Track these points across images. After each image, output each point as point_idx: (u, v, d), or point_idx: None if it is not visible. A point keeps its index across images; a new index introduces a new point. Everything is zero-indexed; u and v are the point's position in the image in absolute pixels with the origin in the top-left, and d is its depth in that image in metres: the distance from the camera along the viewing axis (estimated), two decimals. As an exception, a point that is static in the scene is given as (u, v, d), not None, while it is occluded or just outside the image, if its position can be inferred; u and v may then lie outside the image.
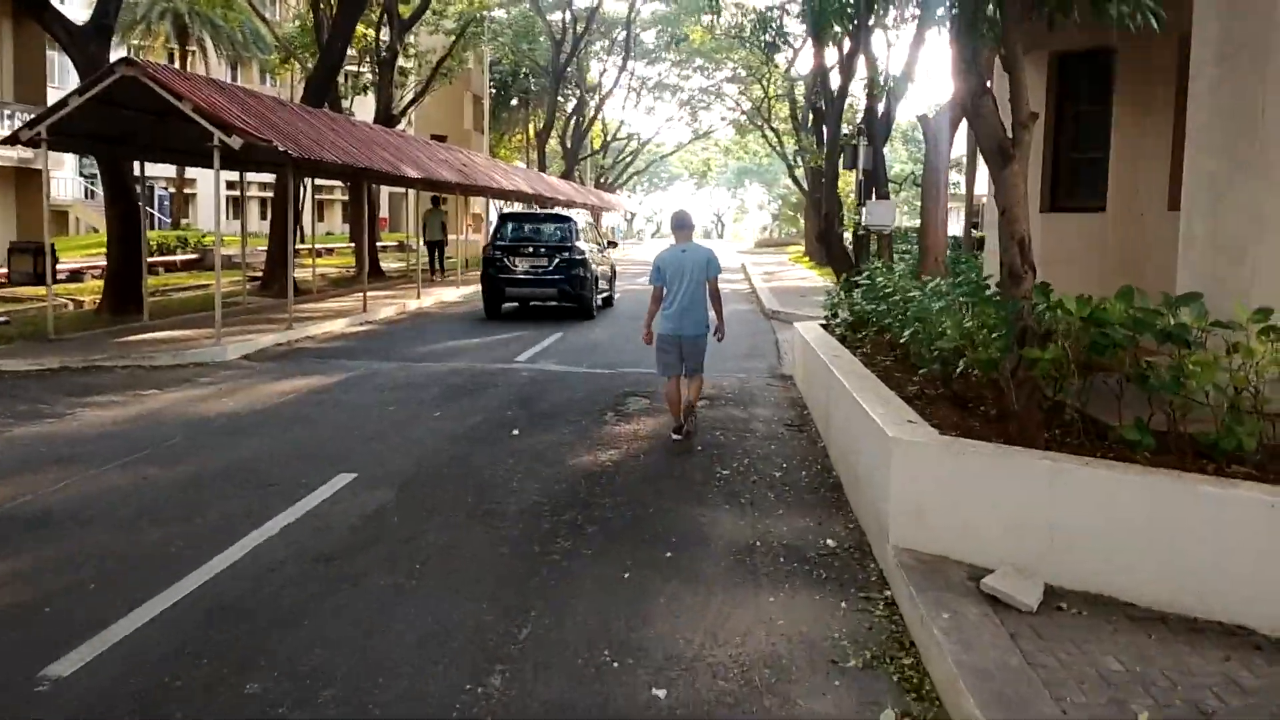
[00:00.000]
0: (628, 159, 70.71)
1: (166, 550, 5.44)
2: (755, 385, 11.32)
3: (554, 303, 17.97)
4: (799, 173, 49.10)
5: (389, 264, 32.05)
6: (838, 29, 12.53)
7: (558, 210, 24.60)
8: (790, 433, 8.77)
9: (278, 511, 6.09)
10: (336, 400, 9.81)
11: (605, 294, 20.12)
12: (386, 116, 26.04)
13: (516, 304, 18.47)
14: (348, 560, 5.32)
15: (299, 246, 34.16)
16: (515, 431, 8.46)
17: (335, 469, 7.06)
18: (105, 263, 17.22)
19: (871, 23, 12.14)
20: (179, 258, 27.62)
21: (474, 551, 5.51)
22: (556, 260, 17.43)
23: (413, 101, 33.55)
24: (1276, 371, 4.58)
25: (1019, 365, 5.32)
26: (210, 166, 12.44)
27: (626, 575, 5.16)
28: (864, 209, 20.00)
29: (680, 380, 8.37)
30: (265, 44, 40.13)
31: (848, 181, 52.75)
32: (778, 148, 54.24)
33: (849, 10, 12.12)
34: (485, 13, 43.53)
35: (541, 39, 50.23)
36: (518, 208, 29.04)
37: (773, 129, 54.06)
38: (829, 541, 5.73)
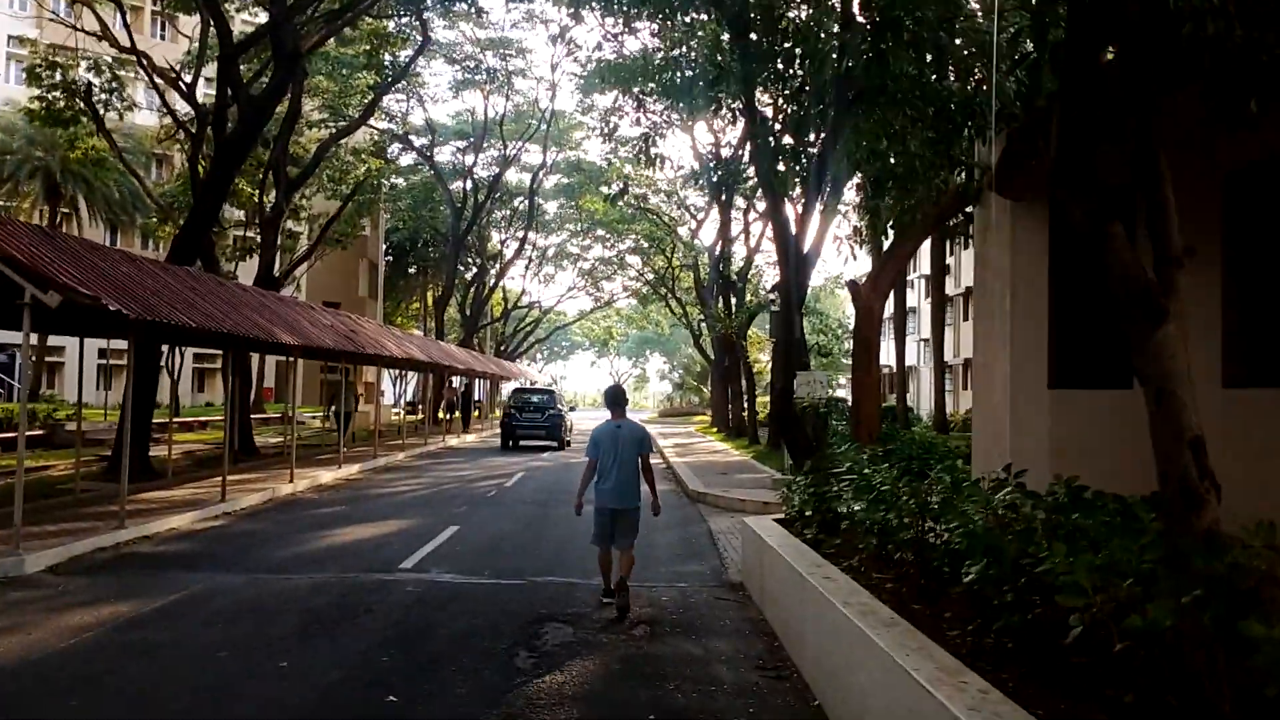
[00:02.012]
0: (529, 327, 69.31)
1: None
2: (701, 601, 9.07)
3: (545, 440, 30.35)
4: (705, 340, 48.14)
5: (266, 439, 29.15)
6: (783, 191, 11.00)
7: (543, 386, 38.86)
8: (768, 682, 6.52)
9: None
10: (147, 643, 7.18)
11: (568, 434, 32.47)
12: (268, 279, 23.79)
13: (524, 440, 30.51)
14: None
15: (163, 420, 31.11)
16: (391, 699, 6.00)
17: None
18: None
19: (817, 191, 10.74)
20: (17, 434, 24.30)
21: None
22: (544, 415, 30.60)
23: (296, 264, 31.46)
24: None
25: (1212, 642, 3.26)
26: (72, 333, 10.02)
27: None
28: (795, 380, 18.36)
29: (610, 551, 8.67)
30: (145, 205, 37.78)
31: (760, 349, 52.25)
32: (682, 317, 53.47)
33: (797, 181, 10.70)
34: (382, 180, 42.29)
35: (442, 207, 49.06)
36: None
37: (676, 298, 53.40)
38: None
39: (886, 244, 18.10)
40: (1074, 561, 3.78)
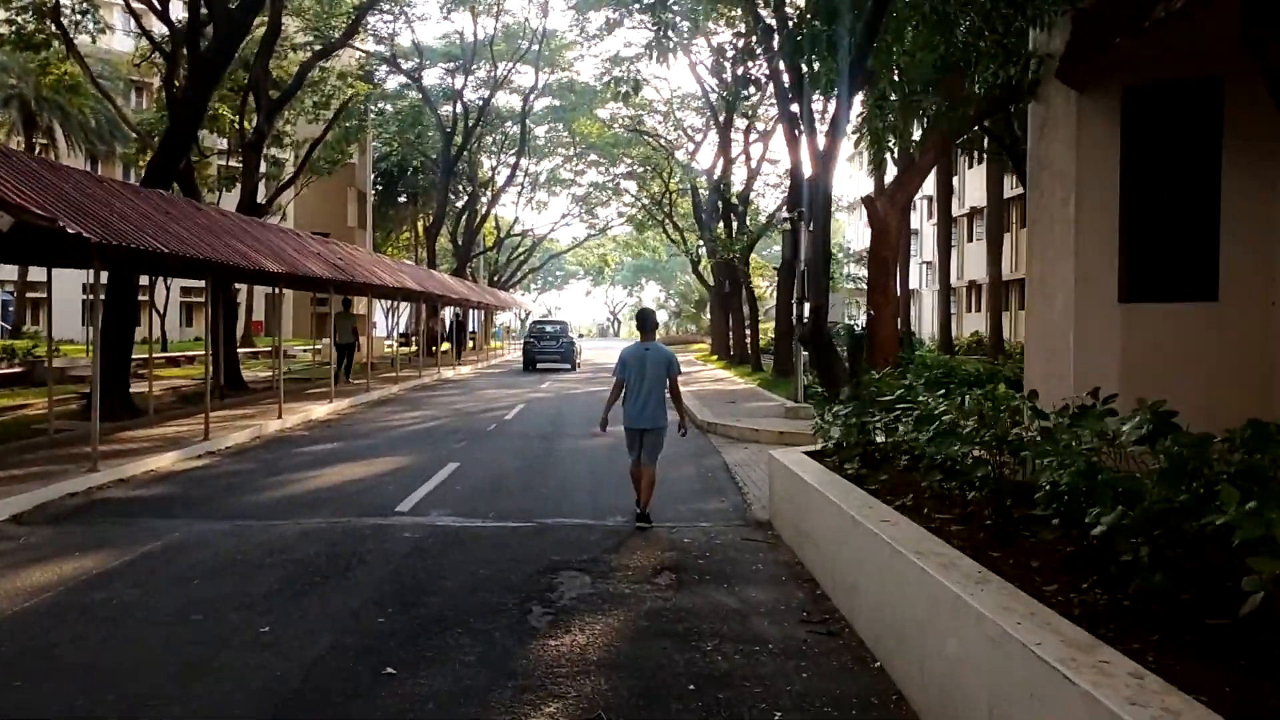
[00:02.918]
0: (522, 256, 68.07)
1: None
2: (728, 542, 8.27)
3: (561, 364, 35.17)
4: (704, 266, 47.08)
5: (256, 373, 28.25)
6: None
7: (557, 317, 45.42)
8: (817, 639, 5.72)
9: None
10: (112, 606, 6.34)
11: (578, 358, 36.46)
12: (251, 205, 22.65)
13: (541, 363, 35.37)
14: None
15: (146, 355, 30.16)
16: (389, 670, 5.18)
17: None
18: None
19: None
20: (-4, 372, 23.46)
21: None
22: (559, 342, 35.54)
23: (280, 190, 30.20)
24: None
25: None
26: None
27: None
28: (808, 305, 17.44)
29: (641, 464, 8.91)
30: (124, 134, 36.33)
31: (760, 274, 51.17)
32: (680, 243, 52.33)
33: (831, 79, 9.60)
34: (368, 103, 40.77)
35: (431, 133, 47.50)
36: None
37: (674, 223, 52.17)
38: None
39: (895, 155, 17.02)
40: (1267, 516, 2.90)
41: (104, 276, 17.32)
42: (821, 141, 10.48)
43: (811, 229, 11.22)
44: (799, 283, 17.00)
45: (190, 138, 17.95)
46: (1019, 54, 8.05)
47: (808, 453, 9.00)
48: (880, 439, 7.82)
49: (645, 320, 9.37)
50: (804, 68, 9.14)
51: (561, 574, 7.13)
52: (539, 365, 35.31)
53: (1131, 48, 6.81)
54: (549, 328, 37.51)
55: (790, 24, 9.83)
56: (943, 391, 6.65)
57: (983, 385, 10.08)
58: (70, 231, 8.98)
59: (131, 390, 17.66)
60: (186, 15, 18.99)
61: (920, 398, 6.56)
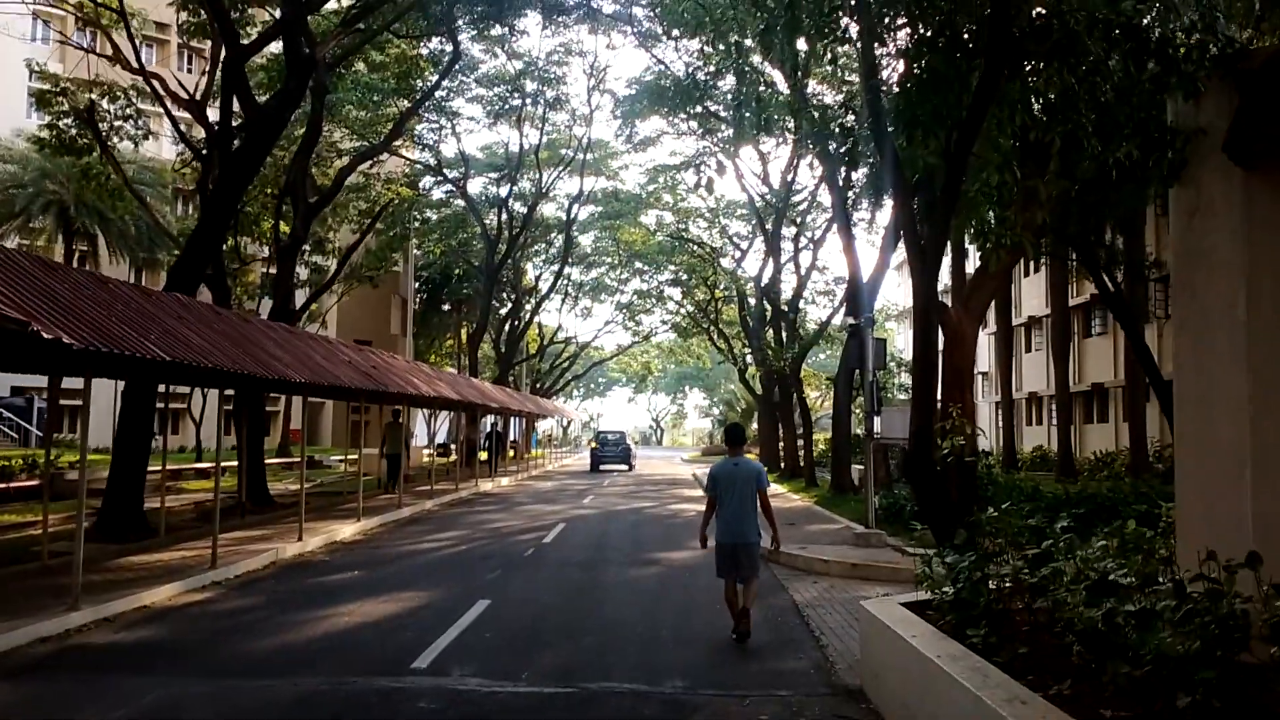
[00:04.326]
0: (565, 363, 67.19)
1: None
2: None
3: (620, 465, 44.80)
4: (750, 375, 45.70)
5: (287, 485, 27.02)
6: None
7: (616, 427, 55.79)
8: None
9: None
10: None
11: (634, 459, 47.19)
12: (284, 312, 21.73)
13: (604, 464, 44.44)
14: None
15: (177, 468, 29.09)
16: None
17: None
18: None
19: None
20: (9, 484, 22.47)
21: None
22: (619, 448, 45.39)
23: (315, 295, 29.45)
24: None
25: None
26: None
27: None
28: (878, 418, 15.94)
29: (735, 585, 8.84)
30: (164, 241, 36.05)
31: (811, 386, 49.71)
32: (726, 350, 51.14)
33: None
34: (411, 210, 40.49)
35: (475, 243, 47.12)
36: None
37: (719, 330, 51.07)
38: None
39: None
40: None
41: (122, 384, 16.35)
42: (920, 234, 9.14)
43: (918, 331, 9.72)
44: (868, 393, 15.53)
45: (218, 237, 17.11)
46: (1162, 129, 6.72)
47: (907, 604, 7.42)
48: (1007, 584, 6.30)
49: (735, 435, 9.51)
50: (902, 147, 7.87)
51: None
52: (602, 467, 44.41)
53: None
54: (610, 436, 48.49)
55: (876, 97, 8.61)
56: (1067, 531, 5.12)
57: (1106, 518, 8.49)
58: (46, 336, 7.81)
59: (151, 506, 16.43)
60: (219, 106, 18.36)
61: (1055, 545, 5.02)
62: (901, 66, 8.29)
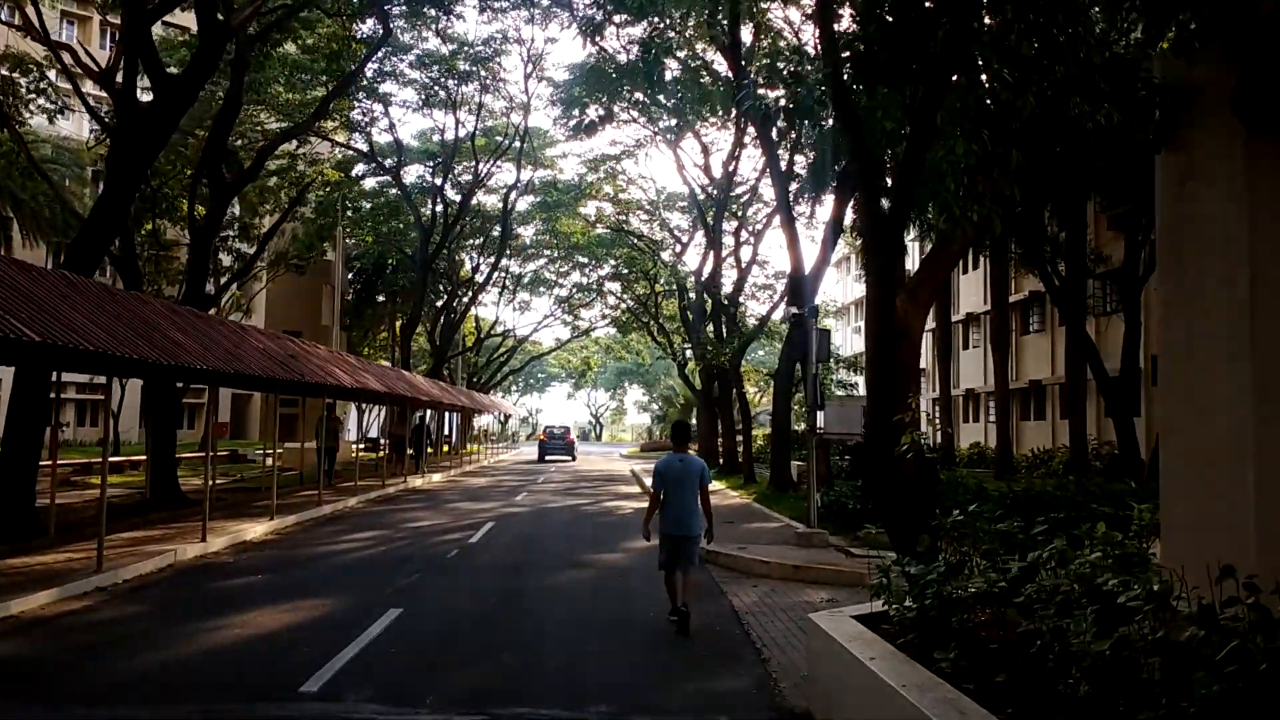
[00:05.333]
0: (503, 357, 65.92)
1: None
2: (760, 754, 5.84)
3: (565, 456, 50.14)
4: (690, 370, 44.98)
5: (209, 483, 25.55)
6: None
7: (562, 423, 59.85)
8: None
9: None
10: None
11: (576, 450, 53.26)
12: (197, 296, 20.40)
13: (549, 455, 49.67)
14: None
15: (87, 461, 27.51)
16: None
17: None
18: None
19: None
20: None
21: None
22: (563, 441, 51.91)
23: (231, 279, 28.02)
24: None
25: None
26: None
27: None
28: (821, 413, 15.21)
29: (676, 576, 8.99)
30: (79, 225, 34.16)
31: (747, 371, 49.05)
32: (666, 345, 50.43)
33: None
34: (340, 194, 39.11)
35: (411, 233, 45.68)
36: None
37: (659, 324, 50.34)
38: None
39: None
40: None
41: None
42: (884, 217, 8.33)
43: (874, 325, 8.88)
44: (810, 387, 14.79)
45: (121, 213, 15.77)
46: (1150, 87, 6.00)
47: (860, 616, 6.63)
48: (974, 601, 5.53)
49: (682, 433, 9.98)
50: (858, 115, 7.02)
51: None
52: (548, 457, 50.16)
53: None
54: (557, 430, 54.24)
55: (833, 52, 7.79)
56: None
57: (1073, 521, 7.75)
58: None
59: (49, 503, 15.12)
60: (121, 70, 17.05)
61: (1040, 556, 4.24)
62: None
